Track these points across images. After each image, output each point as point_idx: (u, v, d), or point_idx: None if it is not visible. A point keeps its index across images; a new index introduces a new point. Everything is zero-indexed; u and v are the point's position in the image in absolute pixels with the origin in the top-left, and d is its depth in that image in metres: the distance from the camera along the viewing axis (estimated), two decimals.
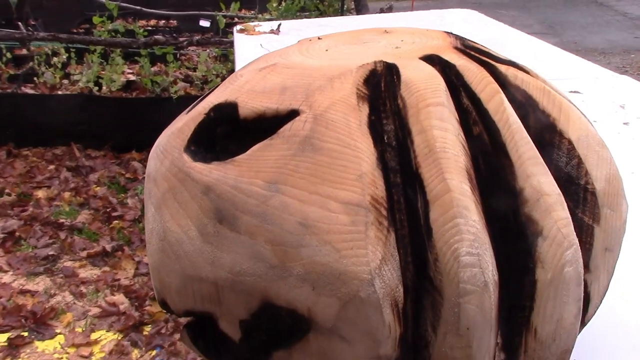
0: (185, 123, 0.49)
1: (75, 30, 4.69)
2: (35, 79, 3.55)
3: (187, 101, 3.28)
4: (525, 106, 0.48)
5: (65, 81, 3.53)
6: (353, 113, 0.43)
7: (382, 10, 3.33)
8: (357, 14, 3.40)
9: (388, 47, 0.51)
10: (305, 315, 0.40)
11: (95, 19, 3.43)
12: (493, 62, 0.49)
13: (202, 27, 4.95)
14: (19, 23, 4.91)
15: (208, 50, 3.67)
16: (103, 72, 3.48)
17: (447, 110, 0.43)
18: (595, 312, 0.50)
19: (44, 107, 3.40)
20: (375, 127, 0.43)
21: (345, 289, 0.39)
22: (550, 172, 0.46)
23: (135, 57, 3.54)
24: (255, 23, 2.35)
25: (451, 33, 0.55)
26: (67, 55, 3.53)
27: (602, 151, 0.48)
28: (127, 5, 3.63)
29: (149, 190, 0.49)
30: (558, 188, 0.44)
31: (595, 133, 0.49)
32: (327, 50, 0.51)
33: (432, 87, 0.44)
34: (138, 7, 3.71)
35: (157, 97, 3.33)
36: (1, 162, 3.25)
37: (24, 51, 4.02)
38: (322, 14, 3.51)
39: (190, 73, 3.65)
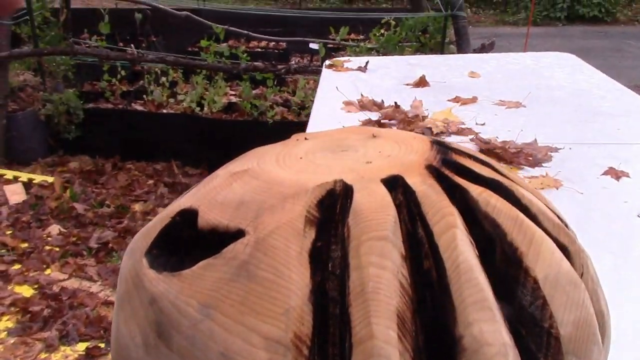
0: (154, 224, 0.50)
1: (189, 49, 4.92)
2: (144, 96, 3.76)
3: (282, 126, 3.35)
4: (492, 237, 0.45)
5: (172, 100, 3.71)
6: (296, 239, 0.42)
7: (482, 46, 3.25)
8: (458, 48, 3.35)
9: (360, 161, 0.50)
10: None
11: (203, 42, 3.58)
12: (466, 185, 0.47)
13: (311, 49, 5.05)
14: (141, 39, 5.22)
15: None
16: (207, 93, 3.63)
17: (390, 245, 0.41)
18: None
19: (150, 124, 3.59)
20: (319, 254, 0.43)
21: None
22: (514, 310, 0.43)
23: (238, 81, 3.66)
24: (345, 58, 2.37)
25: (439, 143, 0.53)
26: (175, 75, 3.71)
27: (574, 292, 0.45)
28: (235, 29, 3.77)
29: (117, 284, 0.51)
30: (507, 336, 0.41)
31: (569, 271, 0.46)
32: (301, 158, 0.51)
33: (380, 218, 0.42)
34: (246, 32, 3.84)
35: (254, 120, 3.43)
36: (107, 173, 3.46)
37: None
38: (423, 46, 3.48)
39: (290, 97, 3.73)
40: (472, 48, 3.33)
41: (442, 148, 0.52)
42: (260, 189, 0.47)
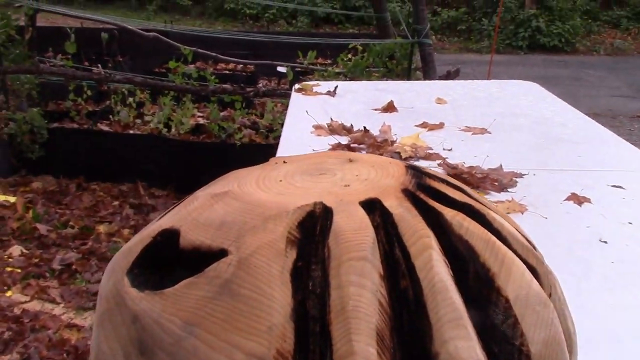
0: (135, 244, 0.51)
1: (156, 70, 4.91)
2: (111, 116, 3.73)
3: (250, 149, 3.36)
4: (465, 258, 0.47)
5: (139, 120, 3.69)
6: (278, 259, 0.44)
7: (448, 73, 3.32)
8: (424, 75, 3.41)
9: (338, 184, 0.51)
10: None
11: (171, 63, 3.58)
12: (440, 209, 0.49)
13: (279, 72, 5.08)
14: (107, 59, 5.18)
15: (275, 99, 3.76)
16: (174, 114, 3.62)
17: (369, 265, 0.43)
18: None
19: (116, 145, 3.56)
20: (300, 274, 0.44)
21: None
22: (487, 329, 0.45)
23: (206, 102, 3.67)
24: (314, 82, 2.39)
25: (413, 167, 0.55)
26: (142, 95, 3.70)
27: (543, 311, 0.47)
28: (203, 51, 3.78)
29: (97, 303, 0.52)
30: (480, 353, 0.43)
31: (539, 291, 0.48)
32: (281, 180, 0.53)
33: (359, 239, 0.44)
34: (214, 54, 3.86)
35: (221, 143, 3.43)
36: (71, 194, 3.42)
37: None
38: (390, 71, 3.54)
39: (258, 120, 3.74)
40: (437, 75, 3.40)
41: (417, 173, 0.54)
42: (241, 210, 0.48)
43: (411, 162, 1.50)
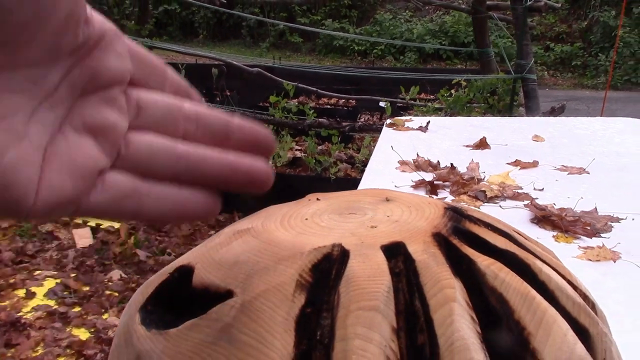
0: (153, 279, 0.49)
1: (260, 104, 5.04)
2: None
3: (344, 183, 3.35)
4: (498, 313, 0.42)
5: None
6: (283, 304, 0.41)
7: (552, 110, 3.17)
8: (527, 111, 3.28)
9: (364, 225, 0.48)
10: None
11: (272, 98, 3.65)
12: (474, 256, 0.44)
13: (381, 108, 5.08)
14: (216, 93, 5.38)
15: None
16: None
17: (379, 317, 0.39)
18: None
19: None
20: (307, 321, 0.40)
21: None
22: None
23: (304, 136, 3.70)
24: (407, 118, 2.36)
25: (454, 209, 0.50)
26: None
27: None
28: (304, 86, 3.84)
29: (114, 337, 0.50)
30: None
31: (583, 356, 0.41)
32: (306, 219, 0.50)
33: (372, 287, 0.40)
34: (314, 89, 3.90)
35: (317, 176, 3.44)
36: None
37: None
38: (491, 107, 3.43)
39: (354, 154, 3.73)
40: (542, 111, 3.26)
41: (456, 215, 0.49)
42: (257, 249, 0.45)
43: (497, 201, 1.42)
